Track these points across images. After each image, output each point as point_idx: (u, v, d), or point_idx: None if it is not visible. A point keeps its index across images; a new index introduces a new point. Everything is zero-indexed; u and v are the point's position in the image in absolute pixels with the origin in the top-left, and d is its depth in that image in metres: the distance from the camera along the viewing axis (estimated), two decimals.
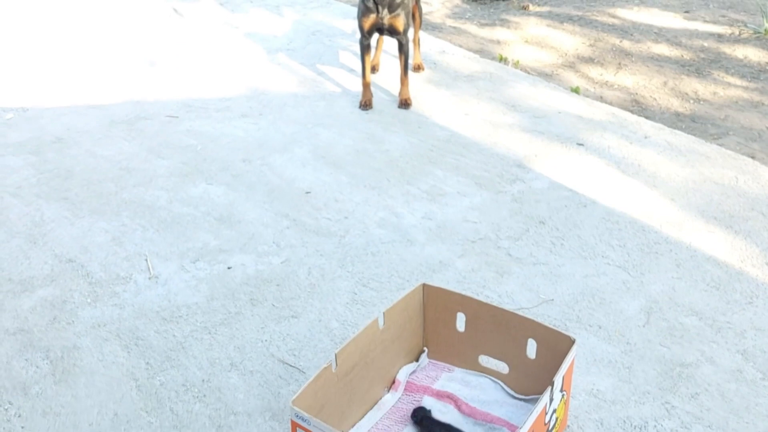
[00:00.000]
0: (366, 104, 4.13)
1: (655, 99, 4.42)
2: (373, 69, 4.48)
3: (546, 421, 1.93)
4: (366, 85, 4.16)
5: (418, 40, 4.56)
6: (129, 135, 3.88)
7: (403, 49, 4.05)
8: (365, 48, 4.05)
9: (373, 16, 3.90)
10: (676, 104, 4.36)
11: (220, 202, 3.28)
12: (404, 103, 4.15)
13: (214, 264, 2.86)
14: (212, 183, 3.43)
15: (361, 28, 4.02)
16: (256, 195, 3.33)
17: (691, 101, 4.40)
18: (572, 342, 2.03)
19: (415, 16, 4.38)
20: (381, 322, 2.16)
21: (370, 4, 3.86)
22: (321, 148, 3.73)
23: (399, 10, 3.88)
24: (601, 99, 4.38)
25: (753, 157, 3.66)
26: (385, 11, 3.87)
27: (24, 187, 3.38)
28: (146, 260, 2.89)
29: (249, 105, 4.23)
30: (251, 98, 4.31)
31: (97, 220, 3.14)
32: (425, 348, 2.37)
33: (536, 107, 4.17)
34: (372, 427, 2.10)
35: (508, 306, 2.56)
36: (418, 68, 4.57)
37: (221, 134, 3.88)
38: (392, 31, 3.96)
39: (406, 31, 3.99)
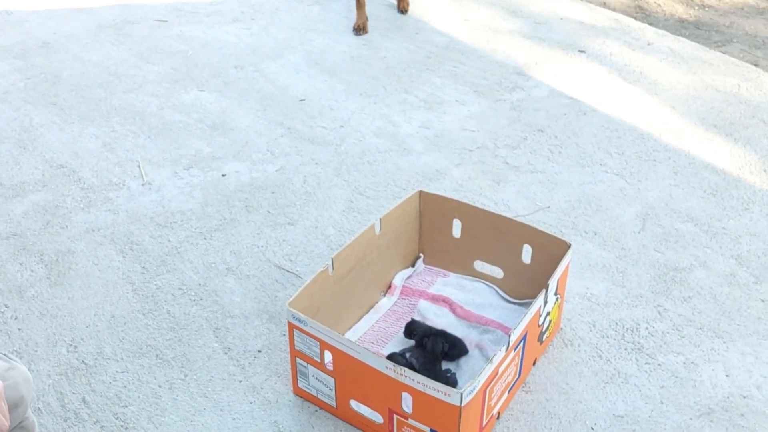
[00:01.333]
0: (360, 28, 3.79)
1: (659, 5, 4.29)
2: None
3: (540, 323, 1.95)
4: (361, 6, 3.80)
5: None
6: (117, 39, 3.76)
7: None
8: None
9: None
10: (680, 10, 4.23)
11: (212, 109, 3.22)
12: (403, 9, 3.97)
13: (207, 171, 2.83)
14: (204, 89, 3.36)
15: None
16: (249, 102, 3.26)
17: (696, 7, 4.27)
18: (568, 247, 2.03)
19: None
20: (377, 228, 2.15)
21: None
22: (315, 55, 3.63)
23: None
24: (604, 5, 4.24)
25: (756, 65, 3.59)
26: None
27: (11, 92, 3.30)
28: (139, 166, 2.85)
29: (240, 9, 4.09)
30: (243, 2, 4.17)
31: (87, 126, 3.08)
32: (421, 254, 2.37)
33: (537, 13, 4.05)
34: (368, 330, 2.13)
35: (504, 213, 2.55)
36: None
37: (212, 39, 3.77)
38: None
39: None
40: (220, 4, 4.14)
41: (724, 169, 2.82)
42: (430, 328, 2.05)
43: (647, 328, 2.16)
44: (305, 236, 2.51)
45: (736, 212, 2.61)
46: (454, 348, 2.00)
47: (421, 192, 2.27)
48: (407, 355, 1.97)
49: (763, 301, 2.25)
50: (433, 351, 1.97)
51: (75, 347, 2.10)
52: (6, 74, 3.44)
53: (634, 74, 3.46)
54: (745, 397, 1.96)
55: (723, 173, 2.80)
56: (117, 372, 2.03)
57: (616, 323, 2.18)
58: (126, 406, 1.93)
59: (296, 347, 1.86)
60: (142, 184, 2.75)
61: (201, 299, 2.26)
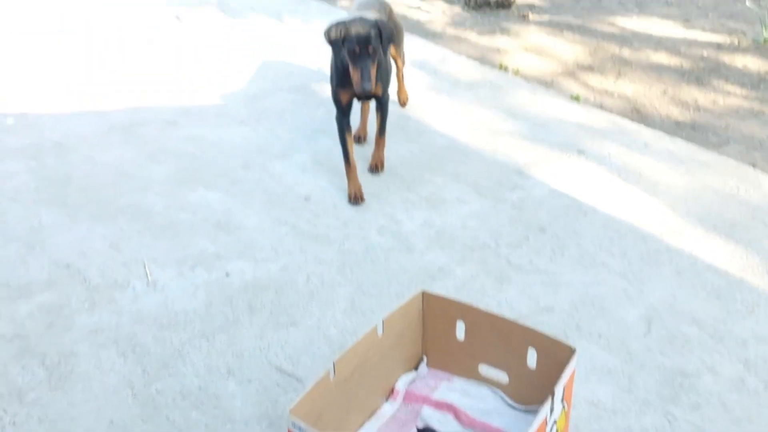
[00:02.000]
0: (356, 197, 3.29)
1: (654, 107, 4.41)
2: (360, 139, 3.80)
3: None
4: (351, 172, 3.33)
5: (402, 76, 4.16)
6: (127, 140, 3.87)
7: (382, 108, 3.39)
8: (344, 127, 3.29)
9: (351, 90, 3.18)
10: (675, 112, 4.35)
11: (218, 208, 3.27)
12: (375, 168, 3.51)
13: (212, 270, 2.85)
14: (210, 189, 3.42)
15: (337, 102, 3.29)
16: (255, 201, 3.32)
17: (691, 110, 4.39)
18: (573, 351, 2.01)
19: (397, 61, 3.94)
20: (380, 330, 2.14)
21: (359, 44, 3.04)
22: (321, 154, 3.72)
23: (379, 73, 3.20)
24: (601, 107, 4.37)
25: (754, 166, 3.65)
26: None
27: (23, 192, 3.37)
28: (144, 266, 2.87)
29: (247, 111, 4.22)
30: (249, 104, 4.31)
31: (94, 226, 3.12)
32: (424, 356, 2.35)
33: (536, 115, 4.17)
34: None
35: (507, 314, 2.54)
36: (404, 103, 4.20)
37: (219, 140, 3.87)
38: (373, 97, 3.33)
39: (386, 89, 3.37)
40: (228, 106, 4.28)
41: (727, 271, 2.83)
42: None
43: None
44: (307, 337, 2.50)
45: (741, 315, 2.60)
46: None
47: (423, 292, 2.28)
48: None
49: None
50: None
51: None
52: (18, 174, 3.52)
53: (632, 175, 3.52)
54: None
55: (725, 275, 2.81)
56: None
57: None
58: None
59: None
60: (147, 284, 2.76)
61: (201, 403, 2.23)
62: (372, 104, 3.66)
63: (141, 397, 2.25)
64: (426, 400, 2.20)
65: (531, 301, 2.68)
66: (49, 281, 2.76)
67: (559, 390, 1.91)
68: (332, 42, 3.12)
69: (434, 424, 2.10)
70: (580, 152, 3.74)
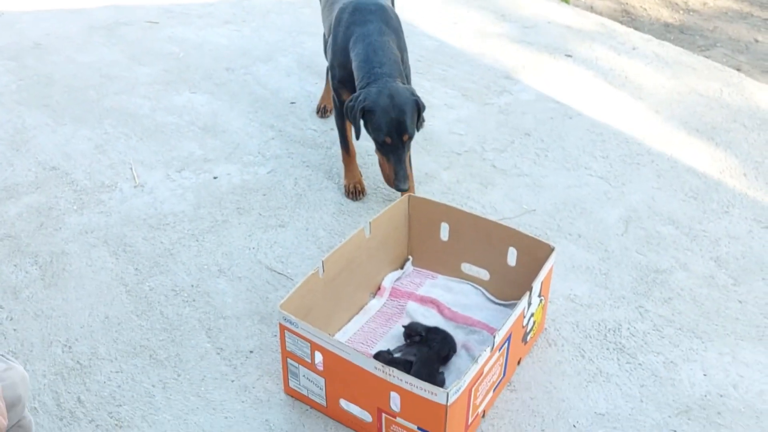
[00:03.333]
0: (355, 191, 2.69)
1: (645, 9, 4.36)
2: (325, 111, 3.19)
3: (524, 324, 2.00)
4: (351, 161, 2.72)
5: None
6: (109, 41, 3.79)
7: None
8: (343, 113, 2.59)
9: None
10: (665, 14, 4.30)
11: (203, 111, 3.26)
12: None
13: (199, 173, 2.87)
14: (196, 91, 3.39)
15: (338, 95, 2.65)
16: (240, 105, 3.30)
17: (681, 11, 4.34)
18: (551, 250, 2.08)
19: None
20: (367, 232, 2.20)
21: (390, 135, 2.37)
22: (306, 57, 3.67)
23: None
24: (591, 9, 4.31)
25: (739, 69, 3.66)
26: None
27: (4, 94, 3.33)
28: (131, 168, 2.89)
29: (232, 11, 4.13)
30: (234, 4, 4.20)
31: (79, 128, 3.11)
32: (410, 256, 2.42)
33: (526, 17, 4.11)
34: (358, 330, 2.18)
35: (491, 216, 2.61)
36: None
37: (204, 41, 3.81)
38: None
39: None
40: (212, 5, 4.18)
41: (705, 173, 2.89)
42: (435, 327, 2.10)
43: (629, 328, 2.22)
44: (296, 238, 2.56)
45: (716, 215, 2.68)
46: (452, 351, 2.06)
47: (410, 196, 2.32)
48: (398, 354, 2.02)
49: (740, 302, 2.32)
50: (438, 352, 2.02)
51: (70, 348, 2.14)
52: None
53: (619, 78, 3.52)
54: (722, 396, 2.02)
55: (704, 177, 2.87)
56: (111, 372, 2.07)
57: (599, 324, 2.24)
58: (120, 406, 1.98)
59: (287, 348, 1.91)
60: (135, 186, 2.79)
61: (193, 300, 2.31)
62: None
63: (134, 294, 2.32)
64: (411, 296, 2.29)
65: (514, 203, 2.74)
66: (36, 183, 2.78)
67: (536, 285, 1.99)
68: (349, 114, 2.33)
69: (419, 318, 2.20)
70: (568, 55, 3.72)
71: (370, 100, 2.32)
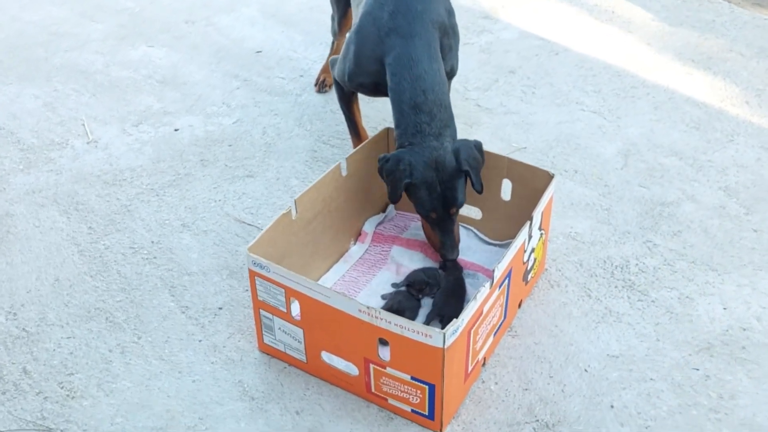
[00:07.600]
0: (323, 83, 2.59)
1: None
2: (324, 84, 2.80)
3: (524, 260, 1.79)
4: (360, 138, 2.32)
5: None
6: None
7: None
8: (349, 94, 2.28)
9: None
10: None
11: (162, 63, 3.00)
12: None
13: (158, 126, 2.62)
14: (153, 45, 3.13)
15: (344, 85, 2.23)
16: (202, 56, 3.04)
17: None
18: (551, 177, 1.87)
19: None
20: (344, 169, 1.97)
21: (436, 210, 1.90)
22: (271, 6, 3.41)
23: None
24: None
25: (729, 1, 3.46)
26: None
27: None
28: (83, 125, 2.63)
29: None
30: None
31: (25, 87, 2.84)
32: None
33: None
34: (339, 279, 1.95)
35: None
36: None
37: None
38: None
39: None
40: None
41: (706, 103, 2.69)
42: (433, 268, 1.97)
43: (637, 264, 2.02)
44: (266, 188, 2.33)
45: (721, 144, 2.48)
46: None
47: (389, 129, 2.09)
48: (399, 298, 1.84)
49: (755, 231, 2.13)
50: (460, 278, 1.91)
51: (14, 314, 1.89)
52: None
53: (605, 13, 3.30)
54: (745, 330, 1.83)
55: (704, 106, 2.67)
56: (62, 338, 1.83)
57: (604, 261, 2.04)
58: (72, 374, 1.74)
59: (259, 297, 1.68)
60: (87, 143, 2.53)
61: (154, 258, 2.07)
62: None
63: (88, 254, 2.08)
64: (396, 240, 2.07)
65: (503, 142, 2.52)
66: None
67: (536, 215, 1.78)
68: (386, 178, 1.90)
69: (405, 263, 1.98)
70: None
71: (417, 174, 1.84)
